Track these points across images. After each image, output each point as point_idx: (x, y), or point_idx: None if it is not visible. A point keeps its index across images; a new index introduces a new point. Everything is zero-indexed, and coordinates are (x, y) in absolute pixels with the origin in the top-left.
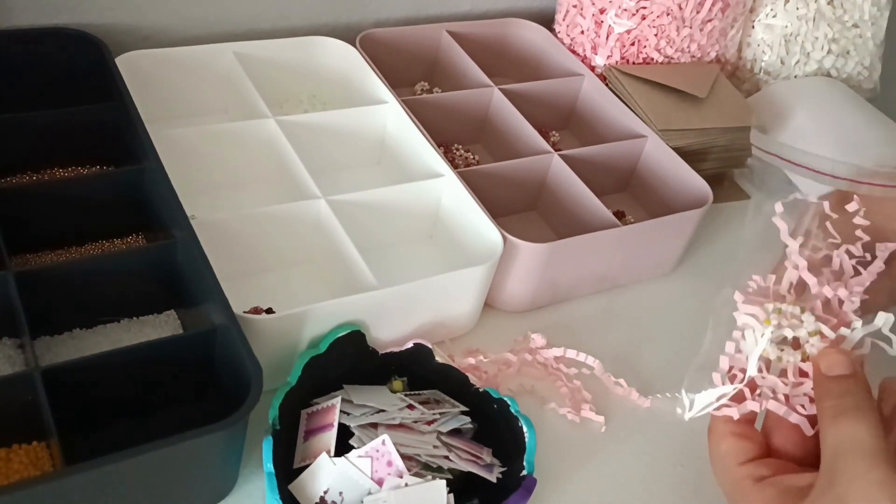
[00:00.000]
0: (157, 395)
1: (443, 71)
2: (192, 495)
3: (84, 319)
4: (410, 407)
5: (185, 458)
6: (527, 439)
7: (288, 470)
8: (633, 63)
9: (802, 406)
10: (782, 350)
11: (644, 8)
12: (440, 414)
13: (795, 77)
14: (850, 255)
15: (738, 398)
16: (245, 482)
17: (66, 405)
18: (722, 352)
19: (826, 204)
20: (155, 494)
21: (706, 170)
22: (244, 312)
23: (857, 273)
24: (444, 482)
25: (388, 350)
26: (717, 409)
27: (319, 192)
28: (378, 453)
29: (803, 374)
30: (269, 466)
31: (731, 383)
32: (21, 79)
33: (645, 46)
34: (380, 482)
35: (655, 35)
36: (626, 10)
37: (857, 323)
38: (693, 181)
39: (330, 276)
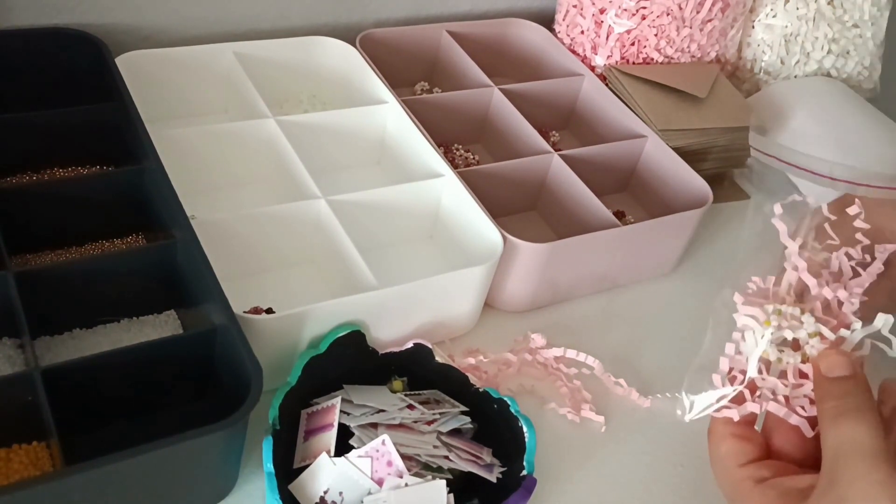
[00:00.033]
0: (157, 395)
1: (443, 71)
2: (192, 495)
3: (84, 319)
4: (410, 407)
5: (185, 458)
6: (527, 439)
7: (288, 470)
8: (633, 63)
9: (802, 407)
10: (782, 351)
11: (644, 8)
12: (440, 414)
13: (795, 77)
14: (849, 257)
15: (739, 400)
16: (245, 482)
17: (66, 405)
18: (722, 353)
19: (825, 206)
20: (155, 494)
21: (706, 170)
22: (244, 312)
23: (857, 275)
24: (444, 482)
25: (388, 350)
26: (718, 410)
27: (319, 192)
28: (378, 453)
29: (803, 375)
30: (269, 466)
31: (731, 385)
32: (21, 79)
33: (645, 46)
34: (380, 482)
35: (655, 35)
36: (626, 10)
37: (857, 324)
38: (693, 181)
39: (330, 276)
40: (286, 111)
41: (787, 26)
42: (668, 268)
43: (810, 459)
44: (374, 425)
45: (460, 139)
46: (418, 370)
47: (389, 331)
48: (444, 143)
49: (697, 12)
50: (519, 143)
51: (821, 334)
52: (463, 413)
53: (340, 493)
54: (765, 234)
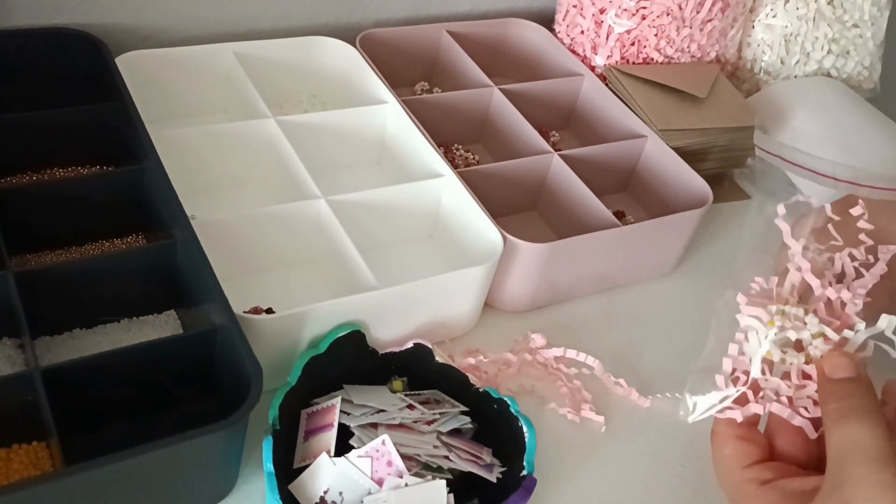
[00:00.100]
0: (157, 395)
1: (443, 71)
2: (192, 495)
3: (84, 319)
4: (410, 407)
5: (185, 458)
6: (527, 439)
7: (288, 470)
8: (633, 63)
9: (806, 409)
10: (785, 352)
11: (644, 8)
12: (440, 414)
13: (795, 77)
14: (853, 258)
15: (742, 401)
16: (245, 482)
17: (66, 405)
18: (724, 354)
19: (828, 207)
20: (155, 494)
21: (706, 170)
22: (244, 312)
23: (859, 275)
24: (444, 482)
25: (388, 350)
26: (721, 411)
27: (319, 192)
28: (378, 453)
29: (806, 376)
30: (269, 466)
31: (734, 386)
32: (21, 79)
33: (645, 46)
34: (380, 482)
35: (655, 35)
36: (626, 10)
37: (861, 325)
38: (693, 181)
39: (330, 276)
40: (286, 111)
41: (787, 26)
42: (668, 268)
43: (814, 461)
44: (374, 425)
45: (460, 139)
46: (418, 370)
47: (389, 331)
48: (444, 143)
49: (697, 12)
50: (519, 143)
51: (824, 335)
52: (463, 413)
53: (340, 493)
54: (767, 235)
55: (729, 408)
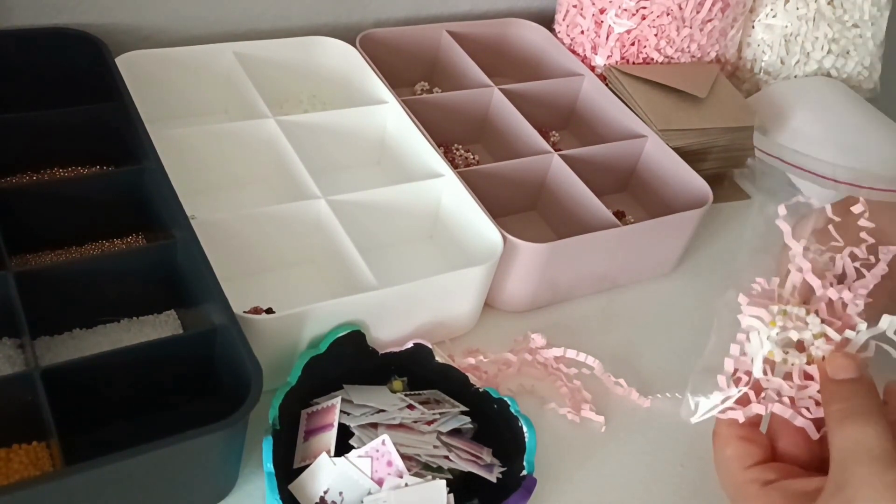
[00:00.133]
0: (157, 395)
1: (443, 71)
2: (192, 495)
3: (84, 319)
4: (410, 407)
5: (185, 458)
6: (527, 439)
7: (288, 470)
8: (633, 63)
9: (808, 409)
10: (787, 352)
11: (644, 8)
12: (440, 414)
13: (795, 77)
14: (855, 257)
15: (744, 401)
16: (245, 482)
17: (66, 405)
18: (726, 354)
19: (829, 208)
20: (155, 494)
21: (706, 170)
22: (244, 312)
23: (860, 276)
24: (444, 482)
25: (388, 350)
26: (722, 412)
27: (319, 192)
28: (378, 453)
29: (808, 376)
30: (269, 466)
31: (736, 386)
32: (21, 79)
33: (645, 46)
34: (380, 482)
35: (655, 35)
36: (626, 10)
37: (862, 325)
38: (693, 181)
39: (330, 276)
40: (286, 111)
41: (787, 26)
42: (668, 268)
43: (816, 462)
44: (374, 425)
45: (460, 139)
46: (418, 370)
47: (389, 331)
48: (444, 143)
49: (697, 12)
50: (519, 143)
51: (826, 335)
52: (463, 413)
53: (340, 493)
54: (768, 235)
55: (731, 408)
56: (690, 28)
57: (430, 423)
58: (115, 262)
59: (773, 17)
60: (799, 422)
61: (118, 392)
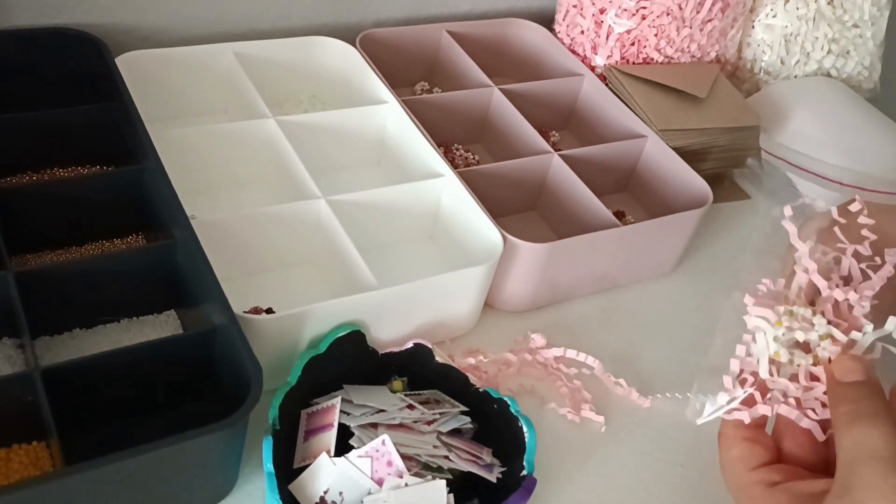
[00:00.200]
0: (157, 395)
1: (443, 71)
2: (192, 495)
3: (84, 319)
4: (410, 407)
5: (185, 458)
6: (527, 439)
7: (288, 470)
8: (633, 63)
9: (814, 410)
10: (793, 353)
11: (644, 8)
12: (440, 414)
13: (795, 77)
14: (860, 256)
15: (749, 402)
16: (245, 482)
17: (66, 405)
18: (731, 356)
19: (834, 209)
20: (155, 494)
21: (706, 170)
22: (244, 312)
23: (866, 277)
24: (444, 482)
25: (388, 350)
26: (728, 412)
27: (319, 192)
28: (378, 453)
29: (814, 378)
30: (269, 466)
31: (742, 387)
32: (21, 79)
33: (645, 46)
34: (380, 482)
35: (655, 35)
36: (626, 10)
37: (868, 327)
38: (693, 181)
39: (330, 276)
40: (286, 111)
41: (787, 26)
42: (668, 268)
43: (821, 463)
44: (374, 425)
45: (460, 139)
46: (418, 370)
47: (389, 331)
48: (444, 143)
49: (697, 12)
50: (519, 143)
51: (832, 336)
52: (463, 413)
53: (340, 493)
54: (773, 236)
55: (736, 409)
56: (690, 28)
57: (430, 423)
58: (115, 262)
59: (773, 17)
60: (805, 423)
61: (118, 392)
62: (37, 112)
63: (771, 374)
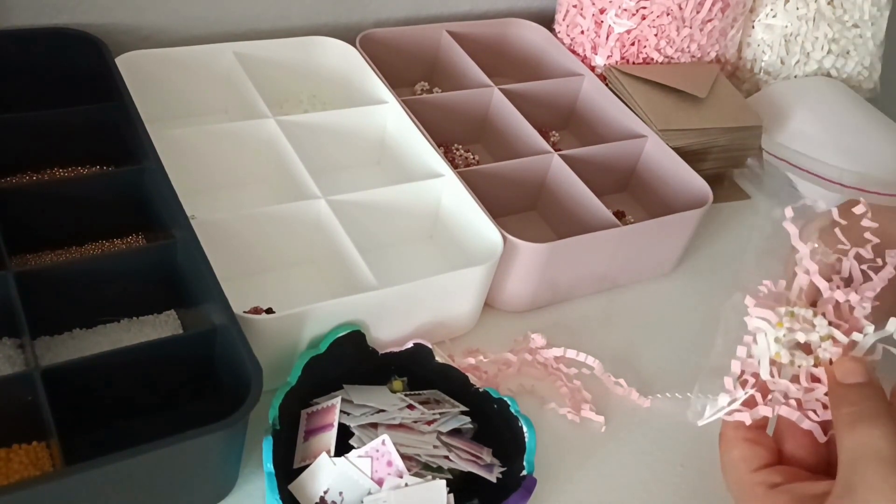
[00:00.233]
0: (157, 395)
1: (443, 71)
2: (192, 495)
3: (84, 319)
4: (410, 407)
5: (185, 458)
6: (527, 439)
7: (288, 470)
8: (633, 63)
9: (815, 412)
10: (794, 354)
11: (644, 8)
12: (440, 414)
13: (795, 77)
14: (861, 259)
15: (750, 403)
16: (245, 482)
17: (66, 405)
18: (732, 357)
19: (835, 210)
20: (155, 494)
21: (706, 170)
22: (244, 312)
23: (867, 278)
24: (444, 482)
25: (388, 350)
26: (729, 413)
27: (319, 192)
28: (378, 453)
29: (815, 379)
30: (269, 466)
31: (743, 388)
32: (21, 79)
33: (645, 46)
34: (380, 482)
35: (655, 35)
36: (626, 10)
37: (869, 328)
38: (693, 181)
39: (330, 276)
40: (286, 111)
41: (787, 26)
42: (668, 268)
43: (822, 465)
44: (374, 425)
45: (460, 139)
46: (418, 370)
47: (389, 331)
48: (444, 143)
49: (697, 12)
50: (519, 143)
51: (833, 338)
52: (463, 413)
53: (340, 493)
54: (773, 238)
55: (737, 410)
56: (690, 28)
57: (430, 423)
58: (115, 262)
59: (773, 17)
60: (806, 424)
61: (118, 392)
62: (37, 112)
63: (772, 376)
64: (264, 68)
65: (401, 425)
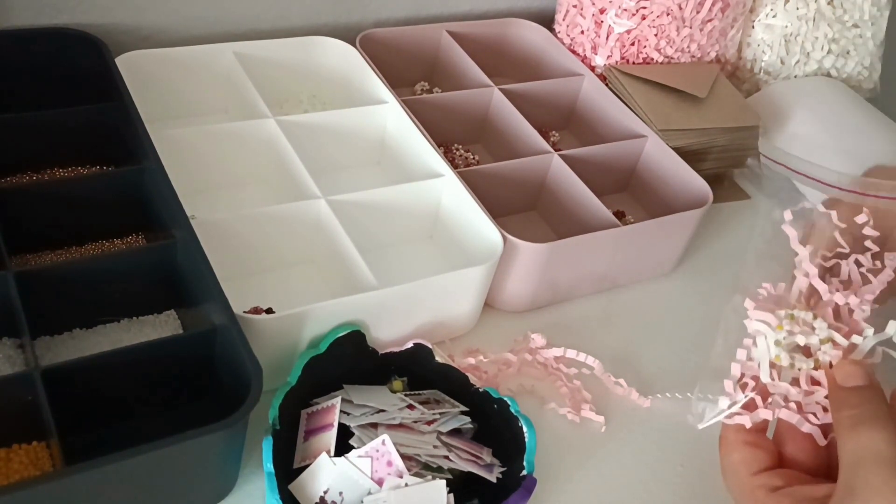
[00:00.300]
0: (157, 395)
1: (443, 71)
2: (192, 495)
3: (84, 319)
4: (410, 407)
5: (185, 458)
6: (527, 439)
7: (288, 470)
8: (633, 63)
9: (815, 415)
10: (794, 357)
11: (644, 8)
12: (440, 414)
13: (795, 77)
14: (859, 264)
15: (750, 406)
16: (245, 482)
17: (66, 405)
18: (732, 359)
19: (834, 214)
20: (155, 494)
21: (706, 170)
22: (244, 312)
23: (867, 281)
24: (444, 482)
25: (388, 350)
26: (729, 416)
27: (319, 192)
28: (378, 453)
29: (815, 382)
30: (269, 466)
31: (743, 391)
32: (21, 79)
33: (645, 46)
34: (380, 482)
35: (655, 35)
36: (626, 10)
37: (869, 331)
38: (693, 181)
39: (330, 276)
40: (286, 111)
41: (787, 26)
42: (668, 268)
43: (822, 468)
44: (374, 425)
45: (460, 139)
46: (418, 370)
47: (389, 331)
48: (444, 143)
49: (697, 12)
50: (519, 143)
51: (833, 340)
52: (463, 413)
53: (340, 493)
54: (773, 240)
55: (738, 413)
56: (690, 28)
57: (430, 423)
58: (115, 262)
59: (773, 17)
60: (806, 428)
61: (118, 392)
62: (37, 112)
63: (772, 378)
64: (264, 68)
65: (401, 425)
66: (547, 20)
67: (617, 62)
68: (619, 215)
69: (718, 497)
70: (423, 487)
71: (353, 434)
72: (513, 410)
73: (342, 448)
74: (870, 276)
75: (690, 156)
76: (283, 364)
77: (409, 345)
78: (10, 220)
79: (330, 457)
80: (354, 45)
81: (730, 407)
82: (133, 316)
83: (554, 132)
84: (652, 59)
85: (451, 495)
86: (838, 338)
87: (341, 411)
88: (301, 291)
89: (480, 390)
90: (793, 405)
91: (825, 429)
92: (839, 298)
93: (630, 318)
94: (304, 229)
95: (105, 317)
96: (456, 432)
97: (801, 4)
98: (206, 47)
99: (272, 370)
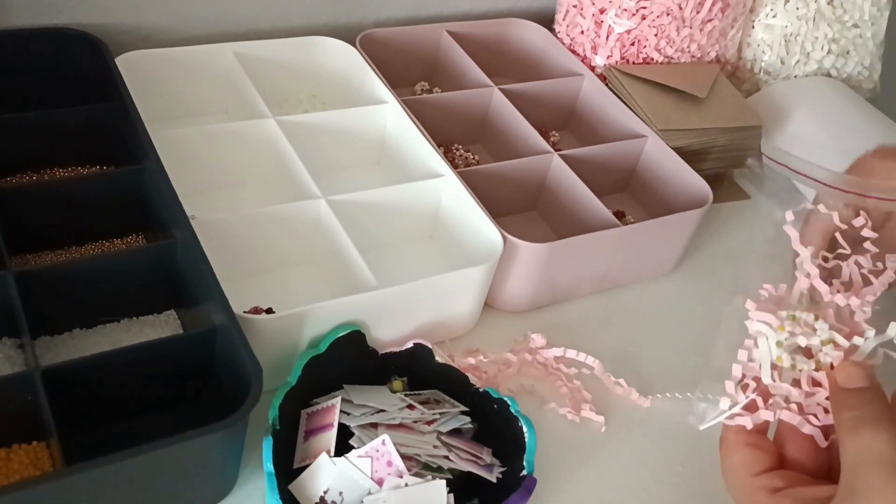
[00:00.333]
0: (157, 396)
1: (443, 71)
2: (192, 495)
3: (84, 319)
4: (410, 407)
5: (185, 458)
6: (527, 439)
7: (288, 470)
8: (633, 63)
9: (816, 416)
10: (795, 358)
11: (644, 8)
12: (440, 414)
13: (795, 77)
14: (860, 265)
15: (751, 407)
16: (245, 482)
17: (66, 405)
18: (733, 360)
19: (835, 215)
20: (155, 494)
21: (706, 170)
22: (244, 312)
23: (867, 282)
24: (444, 482)
25: (388, 350)
26: (730, 418)
27: (319, 192)
28: (378, 453)
29: (816, 383)
30: (269, 466)
31: (744, 392)
32: (21, 79)
33: (645, 46)
34: (380, 482)
35: (655, 35)
36: (626, 10)
37: (870, 332)
38: (693, 181)
39: (330, 276)
40: (286, 111)
41: (787, 26)
42: (668, 268)
43: (823, 470)
44: (374, 425)
45: (460, 139)
46: (418, 370)
47: (389, 331)
48: (444, 143)
49: (697, 12)
50: (519, 143)
51: (834, 342)
52: (463, 413)
53: (340, 493)
54: (774, 240)
55: (739, 414)
56: (690, 28)
57: (430, 423)
58: (115, 262)
59: (773, 17)
60: (807, 429)
61: (118, 392)
62: (37, 112)
63: (773, 379)
64: (264, 68)
65: (401, 425)
66: (547, 20)
67: (617, 62)
68: (619, 215)
69: (718, 497)
70: (423, 487)
71: (353, 434)
72: (513, 410)
73: (342, 448)
74: (871, 277)
75: (690, 156)
76: (283, 364)
77: (409, 345)
78: (10, 220)
79: (330, 457)
80: (354, 45)
81: (731, 408)
82: (133, 316)
83: (554, 132)
84: (652, 59)
85: (451, 495)
86: (839, 339)
87: (341, 411)
88: (301, 291)
89: (480, 390)
90: (794, 406)
91: (826, 430)
92: (840, 300)
93: (630, 318)
94: (304, 229)
95: (105, 317)
96: (456, 432)
97: (801, 4)
98: (206, 47)
99: (272, 370)
